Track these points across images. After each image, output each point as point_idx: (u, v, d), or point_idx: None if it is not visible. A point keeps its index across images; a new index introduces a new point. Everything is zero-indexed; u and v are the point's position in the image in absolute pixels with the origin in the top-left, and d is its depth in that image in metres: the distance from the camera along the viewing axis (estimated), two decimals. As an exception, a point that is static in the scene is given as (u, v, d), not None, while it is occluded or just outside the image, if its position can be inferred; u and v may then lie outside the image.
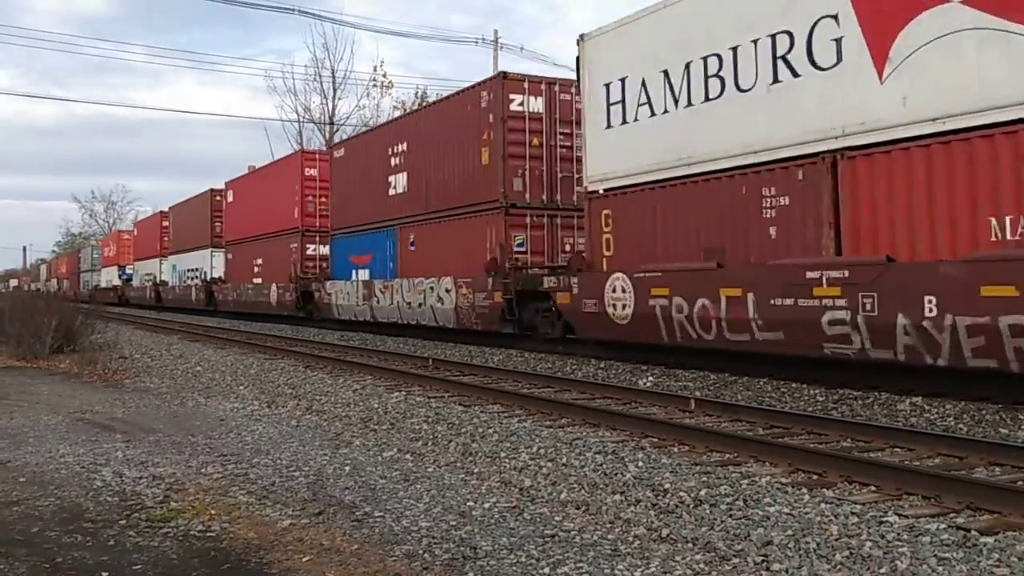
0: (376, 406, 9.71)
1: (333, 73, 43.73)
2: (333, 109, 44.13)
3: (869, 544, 4.49)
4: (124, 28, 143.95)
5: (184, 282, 39.85)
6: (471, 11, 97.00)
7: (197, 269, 37.71)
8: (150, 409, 10.01)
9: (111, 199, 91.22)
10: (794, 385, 10.50)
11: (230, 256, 33.69)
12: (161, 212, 46.42)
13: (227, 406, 10.19)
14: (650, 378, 11.79)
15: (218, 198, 35.81)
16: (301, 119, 44.61)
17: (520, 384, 11.35)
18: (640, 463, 6.44)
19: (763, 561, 4.40)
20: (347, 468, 6.67)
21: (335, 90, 43.99)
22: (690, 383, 11.21)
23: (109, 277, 57.83)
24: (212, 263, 35.71)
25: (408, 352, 16.41)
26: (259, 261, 29.91)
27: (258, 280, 29.87)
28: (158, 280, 44.74)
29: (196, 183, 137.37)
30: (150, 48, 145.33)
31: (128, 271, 53.86)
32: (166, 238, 44.66)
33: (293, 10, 45.33)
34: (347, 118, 43.82)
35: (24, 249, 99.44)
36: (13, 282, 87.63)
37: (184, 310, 38.34)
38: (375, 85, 43.25)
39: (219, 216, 35.60)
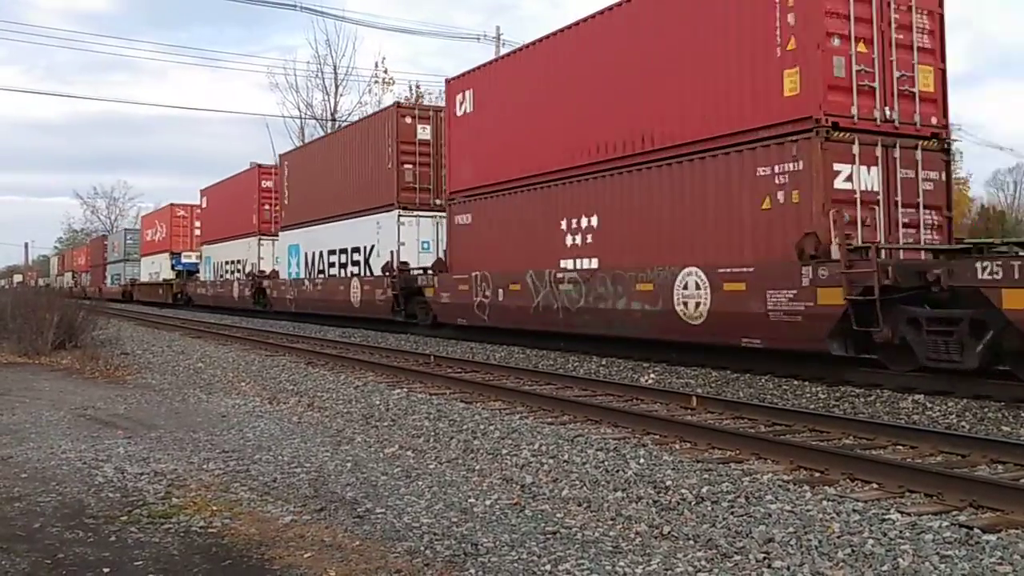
0: (378, 403, 9.71)
1: (335, 69, 43.75)
2: (335, 105, 44.16)
3: (871, 542, 4.48)
4: (128, 25, 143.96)
5: (324, 274, 24.23)
6: (474, 8, 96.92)
7: (358, 249, 22.11)
8: (152, 405, 10.01)
9: (113, 195, 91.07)
10: (796, 382, 10.48)
11: (464, 220, 17.43)
12: (259, 167, 31.02)
13: (228, 402, 10.19)
14: (652, 375, 11.79)
15: (408, 119, 20.36)
16: (303, 115, 44.63)
17: (522, 381, 11.33)
18: (642, 460, 6.43)
19: (765, 558, 4.40)
20: (348, 465, 6.66)
21: (337, 86, 44.04)
22: (692, 380, 11.19)
23: (155, 268, 44.16)
24: (400, 237, 20.07)
25: (409, 349, 16.40)
26: (590, 221, 13.79)
27: (589, 261, 13.85)
28: (256, 270, 29.71)
29: (198, 180, 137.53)
30: (155, 45, 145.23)
31: (188, 259, 39.88)
32: (268, 205, 29.66)
33: (295, 6, 45.30)
34: (349, 114, 43.86)
35: (26, 245, 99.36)
36: (17, 278, 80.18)
37: (322, 319, 24.36)
38: (376, 81, 43.26)
39: (411, 151, 20.26)
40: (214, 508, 5.34)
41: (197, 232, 40.88)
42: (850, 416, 8.29)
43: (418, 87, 43.19)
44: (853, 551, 4.38)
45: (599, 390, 10.24)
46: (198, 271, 38.96)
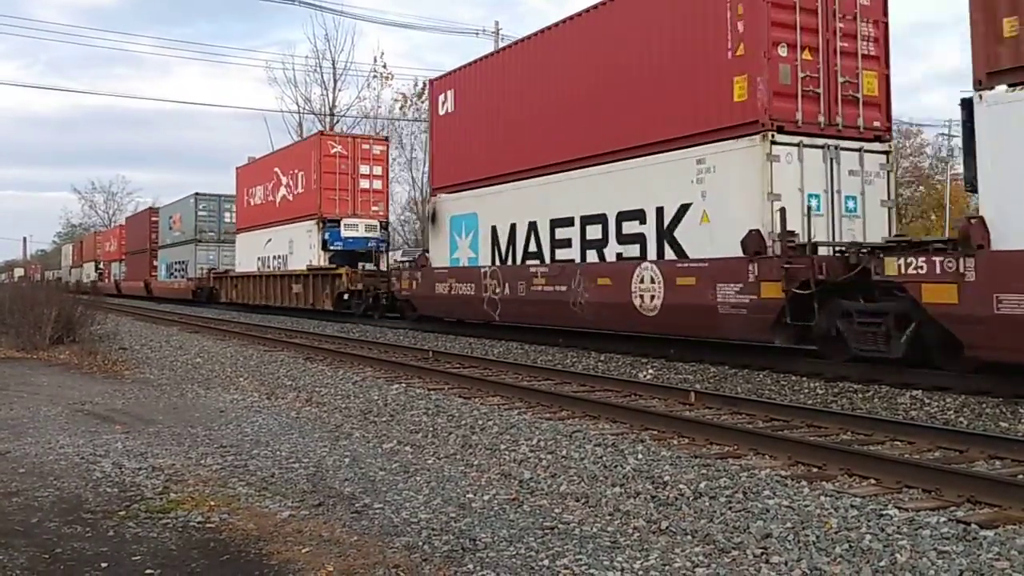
0: (376, 398, 9.71)
1: (334, 64, 43.64)
2: (334, 100, 44.10)
3: (869, 537, 4.48)
4: (129, 20, 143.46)
5: None
6: (477, 3, 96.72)
7: None
8: (150, 400, 10.01)
9: (111, 190, 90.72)
10: (794, 378, 10.49)
11: None
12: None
13: (227, 397, 10.18)
14: (650, 371, 11.79)
15: None
16: (301, 110, 44.53)
17: (520, 376, 11.34)
18: (640, 455, 6.43)
19: (762, 554, 4.40)
20: (347, 460, 6.66)
21: (336, 81, 43.96)
22: (690, 376, 11.20)
23: (274, 250, 27.35)
24: None
25: (408, 344, 16.40)
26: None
27: None
28: (775, 227, 10.56)
29: (198, 175, 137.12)
30: (156, 40, 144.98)
31: (354, 233, 24.08)
32: (783, 46, 10.91)
33: (294, 0, 45.20)
34: (347, 109, 43.82)
35: (24, 240, 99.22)
36: (18, 272, 69.50)
37: None
38: (375, 76, 43.22)
39: None
40: (212, 503, 5.34)
41: (363, 184, 24.77)
42: (848, 412, 8.30)
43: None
44: (851, 546, 4.39)
45: (597, 386, 10.24)
46: (415, 259, 22.09)
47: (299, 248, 25.71)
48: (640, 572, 4.17)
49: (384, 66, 43.52)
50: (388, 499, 5.51)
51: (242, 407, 9.41)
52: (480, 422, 8.01)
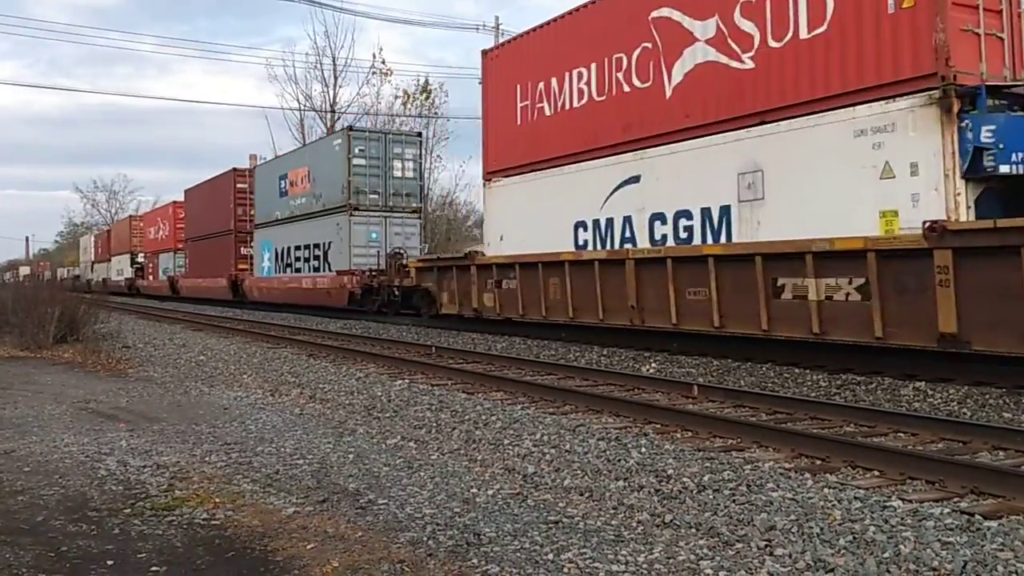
0: (379, 394, 9.72)
1: (334, 61, 43.43)
2: (334, 97, 43.99)
3: (872, 529, 4.49)
4: (130, 18, 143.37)
5: None
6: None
7: None
8: (154, 398, 10.03)
9: (113, 189, 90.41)
10: (797, 371, 10.49)
11: None
12: None
13: (230, 395, 10.20)
14: (653, 365, 11.79)
15: None
16: (302, 107, 44.39)
17: (523, 371, 11.35)
18: (643, 449, 6.44)
19: (767, 546, 4.41)
20: (351, 456, 6.68)
21: (336, 78, 43.82)
22: (693, 369, 11.20)
23: (635, 202, 12.74)
24: None
25: (411, 340, 16.41)
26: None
27: None
28: None
29: (199, 173, 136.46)
30: (157, 38, 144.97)
31: None
32: None
33: (294, -4, 45.14)
34: (348, 106, 43.69)
35: (27, 239, 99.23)
36: (24, 270, 57.31)
37: None
38: (375, 73, 43.11)
39: None
40: (217, 500, 5.35)
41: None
42: (851, 404, 8.29)
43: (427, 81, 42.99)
44: (855, 538, 4.39)
45: (600, 380, 10.25)
46: None
47: (800, 188, 10.70)
48: (644, 565, 4.18)
49: (383, 62, 43.47)
50: (392, 495, 5.52)
51: (246, 404, 9.43)
52: (484, 417, 8.02)
